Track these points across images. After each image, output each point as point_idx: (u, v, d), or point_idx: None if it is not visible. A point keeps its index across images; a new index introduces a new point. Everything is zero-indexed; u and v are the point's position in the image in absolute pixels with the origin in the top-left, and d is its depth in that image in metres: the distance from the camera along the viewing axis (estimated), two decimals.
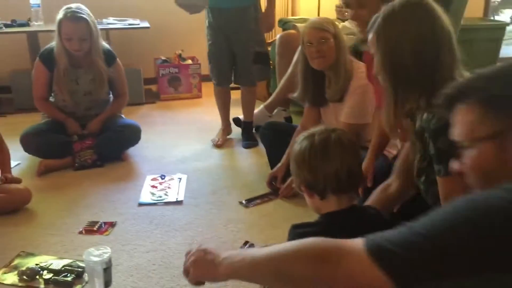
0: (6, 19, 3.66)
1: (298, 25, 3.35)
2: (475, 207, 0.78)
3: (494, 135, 0.87)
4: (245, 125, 3.17)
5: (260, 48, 2.99)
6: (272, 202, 2.35)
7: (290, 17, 3.99)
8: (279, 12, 4.16)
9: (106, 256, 1.57)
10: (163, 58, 4.12)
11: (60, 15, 2.68)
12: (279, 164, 2.43)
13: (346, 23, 3.18)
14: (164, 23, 4.18)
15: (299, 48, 2.86)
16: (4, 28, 3.57)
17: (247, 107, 3.14)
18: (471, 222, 0.76)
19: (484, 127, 0.88)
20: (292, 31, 3.36)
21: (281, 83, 3.21)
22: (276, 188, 2.42)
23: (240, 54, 2.97)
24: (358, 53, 2.42)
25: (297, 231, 1.30)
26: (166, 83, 4.06)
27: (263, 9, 3.00)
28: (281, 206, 2.31)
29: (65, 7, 2.71)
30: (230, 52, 2.99)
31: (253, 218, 2.20)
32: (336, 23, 2.38)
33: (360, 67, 2.26)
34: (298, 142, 1.39)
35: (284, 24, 3.65)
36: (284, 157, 2.40)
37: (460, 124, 0.93)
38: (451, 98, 0.95)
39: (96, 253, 1.57)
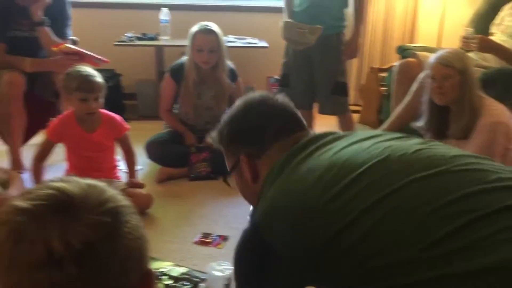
0: (137, 32, 3.97)
1: (418, 53, 3.25)
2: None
3: (234, 166, 1.21)
4: None
5: (341, 78, 2.99)
6: None
7: (409, 44, 3.90)
8: (398, 39, 4.08)
9: (228, 272, 1.62)
10: (276, 77, 4.20)
11: (194, 28, 2.91)
12: None
13: (472, 55, 3.04)
14: (279, 43, 4.26)
15: (418, 76, 2.79)
16: (136, 40, 3.88)
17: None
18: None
19: (230, 162, 1.22)
20: (412, 59, 3.28)
21: (396, 110, 3.12)
22: None
23: (320, 83, 3.00)
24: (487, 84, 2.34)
25: None
26: None
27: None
28: None
29: (199, 23, 2.94)
30: (311, 79, 3.02)
31: None
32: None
33: (491, 103, 2.15)
34: None
35: (403, 51, 3.57)
36: None
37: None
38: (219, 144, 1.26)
39: (218, 267, 1.64)
